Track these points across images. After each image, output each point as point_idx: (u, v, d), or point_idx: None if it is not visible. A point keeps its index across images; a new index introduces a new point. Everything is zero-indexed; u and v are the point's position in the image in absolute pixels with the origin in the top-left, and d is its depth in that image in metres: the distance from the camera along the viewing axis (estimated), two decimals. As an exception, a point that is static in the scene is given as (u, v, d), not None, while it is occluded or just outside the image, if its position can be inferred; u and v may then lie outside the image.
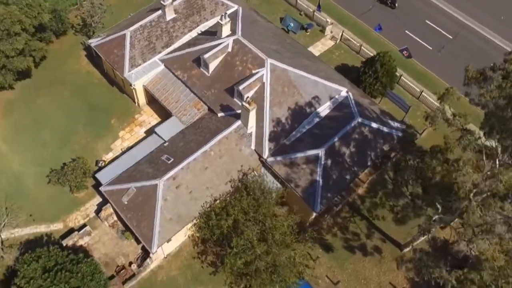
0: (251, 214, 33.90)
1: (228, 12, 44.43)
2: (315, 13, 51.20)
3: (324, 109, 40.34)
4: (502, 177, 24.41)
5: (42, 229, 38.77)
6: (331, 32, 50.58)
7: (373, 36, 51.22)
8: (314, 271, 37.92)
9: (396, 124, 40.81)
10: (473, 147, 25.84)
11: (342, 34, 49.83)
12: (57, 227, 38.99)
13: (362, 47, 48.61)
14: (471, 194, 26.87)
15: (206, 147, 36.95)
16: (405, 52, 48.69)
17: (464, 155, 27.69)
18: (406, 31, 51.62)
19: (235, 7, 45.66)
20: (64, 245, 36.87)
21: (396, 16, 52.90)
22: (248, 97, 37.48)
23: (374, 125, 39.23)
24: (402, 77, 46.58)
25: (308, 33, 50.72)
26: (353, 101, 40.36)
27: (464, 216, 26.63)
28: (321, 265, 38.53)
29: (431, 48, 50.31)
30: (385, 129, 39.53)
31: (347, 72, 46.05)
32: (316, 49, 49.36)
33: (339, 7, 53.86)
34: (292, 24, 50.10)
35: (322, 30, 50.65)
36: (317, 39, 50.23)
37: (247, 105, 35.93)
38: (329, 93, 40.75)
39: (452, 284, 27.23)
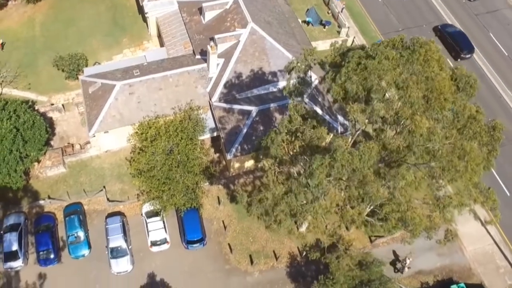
0: (170, 133, 41.65)
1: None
2: (339, 14, 57.33)
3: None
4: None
5: (31, 96, 49.86)
6: (347, 36, 56.29)
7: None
8: (216, 211, 44.64)
9: (344, 122, 45.56)
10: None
11: (353, 40, 55.33)
12: (42, 99, 49.92)
13: (364, 56, 53.65)
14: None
15: (167, 73, 45.37)
16: None
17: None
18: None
19: (263, -19, 53.64)
20: (36, 108, 47.61)
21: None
22: (214, 43, 45.04)
23: (318, 110, 44.57)
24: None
25: (325, 30, 56.98)
26: (313, 85, 46.04)
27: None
28: (223, 211, 44.80)
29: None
30: (327, 118, 44.57)
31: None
32: (325, 44, 55.26)
33: (370, 19, 59.31)
34: (312, 18, 56.78)
35: (339, 31, 56.60)
36: (330, 37, 56.18)
37: (209, 48, 43.71)
38: (299, 73, 46.85)
39: None
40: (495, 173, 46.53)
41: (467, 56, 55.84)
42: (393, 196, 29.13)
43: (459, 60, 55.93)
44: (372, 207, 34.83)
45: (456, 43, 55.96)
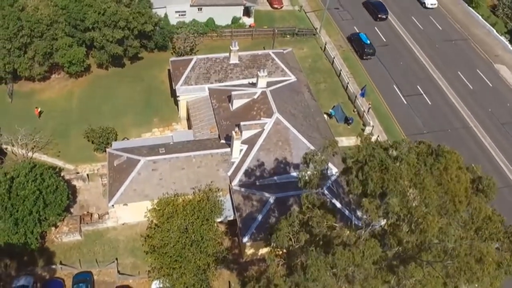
0: (187, 211, 43.43)
1: (287, 82, 56.62)
2: (364, 113, 60.41)
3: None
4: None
5: (59, 163, 53.11)
6: (371, 134, 58.86)
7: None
8: (224, 297, 45.13)
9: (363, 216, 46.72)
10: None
11: (377, 139, 57.75)
12: (69, 167, 53.07)
13: (386, 155, 55.78)
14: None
15: (191, 154, 48.08)
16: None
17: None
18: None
19: (291, 78, 57.60)
20: (62, 175, 50.44)
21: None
22: (239, 129, 47.93)
23: (338, 204, 45.94)
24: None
25: (349, 127, 59.84)
26: (333, 178, 47.84)
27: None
28: (233, 296, 45.37)
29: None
30: (346, 212, 45.85)
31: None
32: (349, 141, 58.00)
33: (395, 120, 62.15)
34: (336, 113, 60.03)
35: (363, 129, 59.32)
36: (355, 134, 58.73)
37: (234, 133, 46.60)
38: (320, 165, 48.98)
39: None
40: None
41: (384, 17, 79.04)
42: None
43: (377, 20, 78.96)
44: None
45: (375, 8, 79.70)
